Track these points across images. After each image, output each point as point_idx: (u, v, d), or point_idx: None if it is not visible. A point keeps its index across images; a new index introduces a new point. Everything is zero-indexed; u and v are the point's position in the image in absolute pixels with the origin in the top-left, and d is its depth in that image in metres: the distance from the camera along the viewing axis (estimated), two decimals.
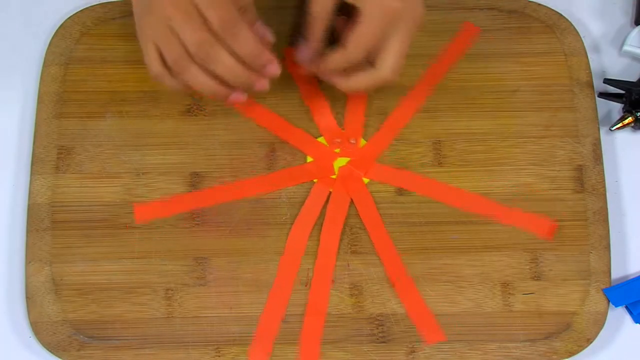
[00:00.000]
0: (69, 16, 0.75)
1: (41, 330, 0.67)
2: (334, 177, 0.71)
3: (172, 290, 0.68)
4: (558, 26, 0.75)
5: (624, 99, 0.72)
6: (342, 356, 0.67)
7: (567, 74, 0.74)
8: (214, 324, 0.68)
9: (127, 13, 0.74)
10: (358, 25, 0.64)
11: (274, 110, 0.72)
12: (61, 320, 0.68)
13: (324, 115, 0.73)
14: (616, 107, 0.75)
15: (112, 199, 0.70)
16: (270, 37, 0.66)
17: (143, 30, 0.64)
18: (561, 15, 0.75)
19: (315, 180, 0.71)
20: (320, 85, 0.72)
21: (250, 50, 0.63)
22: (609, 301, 0.68)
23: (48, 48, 0.74)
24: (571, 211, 0.70)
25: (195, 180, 0.71)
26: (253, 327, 0.68)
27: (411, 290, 0.68)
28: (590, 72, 0.74)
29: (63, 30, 0.74)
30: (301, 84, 0.73)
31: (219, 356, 0.67)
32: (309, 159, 0.72)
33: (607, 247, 0.70)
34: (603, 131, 0.73)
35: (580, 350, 0.68)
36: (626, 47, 0.75)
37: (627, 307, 0.70)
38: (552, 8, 0.76)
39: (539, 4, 0.76)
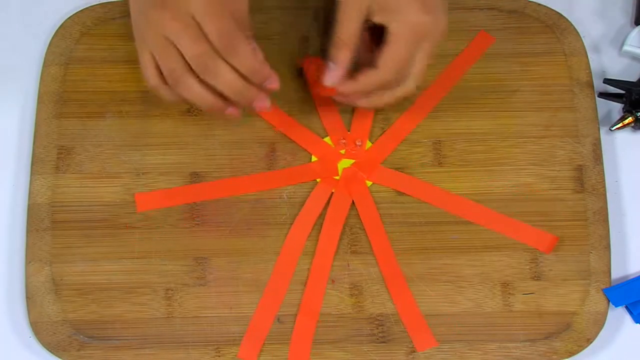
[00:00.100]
0: (69, 16, 0.75)
1: (41, 330, 0.67)
2: (337, 177, 0.71)
3: (172, 290, 0.68)
4: (558, 26, 0.75)
5: (624, 99, 0.72)
6: (342, 356, 0.67)
7: (567, 74, 0.74)
8: (214, 324, 0.68)
9: (127, 13, 0.74)
10: (389, 46, 0.64)
11: (281, 109, 0.72)
12: (61, 320, 0.68)
13: (332, 116, 0.72)
14: (616, 107, 0.75)
15: (112, 199, 0.70)
16: (260, 53, 0.65)
17: (141, 40, 0.64)
18: (561, 15, 0.75)
19: (318, 180, 0.71)
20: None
21: (251, 65, 0.63)
22: (609, 301, 0.68)
23: (48, 48, 0.74)
24: (571, 211, 0.70)
25: (195, 180, 0.71)
26: None
27: (405, 296, 0.68)
28: (590, 72, 0.74)
29: (63, 30, 0.74)
30: (312, 84, 0.73)
31: (219, 356, 0.67)
32: (314, 158, 0.72)
33: (607, 247, 0.70)
34: (603, 131, 0.73)
35: (580, 350, 0.68)
36: (626, 47, 0.75)
37: (627, 307, 0.70)
38: (552, 8, 0.76)
39: (539, 4, 0.76)
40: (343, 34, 0.65)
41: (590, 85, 0.74)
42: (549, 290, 0.69)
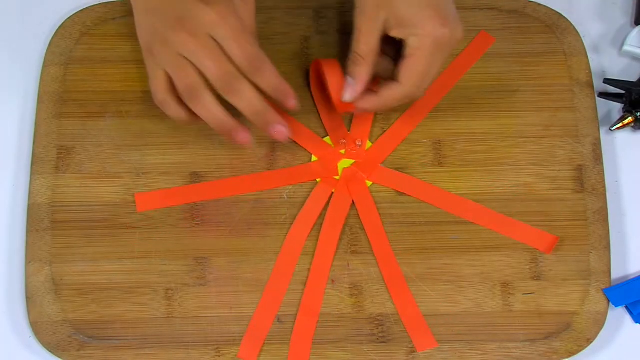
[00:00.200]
0: (69, 16, 0.75)
1: (41, 330, 0.67)
2: (337, 177, 0.71)
3: (172, 290, 0.68)
4: (558, 26, 0.75)
5: (624, 99, 0.72)
6: (342, 356, 0.67)
7: (567, 74, 0.74)
8: (214, 324, 0.68)
9: (127, 13, 0.74)
10: (410, 60, 0.64)
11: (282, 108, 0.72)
12: (61, 320, 0.68)
13: (332, 116, 0.72)
14: (616, 107, 0.75)
15: (112, 199, 0.70)
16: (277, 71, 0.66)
17: (153, 57, 0.64)
18: (561, 15, 0.75)
19: (318, 180, 0.71)
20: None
21: (274, 84, 0.64)
22: (609, 301, 0.68)
23: (48, 48, 0.74)
24: (571, 211, 0.70)
25: (195, 180, 0.71)
26: None
27: (405, 296, 0.68)
28: (590, 72, 0.74)
29: (63, 30, 0.74)
30: (312, 83, 0.73)
31: (219, 356, 0.67)
32: (314, 158, 0.72)
33: (607, 247, 0.70)
34: (603, 131, 0.73)
35: (580, 350, 0.68)
36: (626, 47, 0.75)
37: (627, 307, 0.70)
38: (552, 8, 0.76)
39: (539, 4, 0.76)
40: (361, 50, 0.65)
41: (590, 85, 0.74)
42: (549, 290, 0.69)
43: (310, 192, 0.71)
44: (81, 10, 0.75)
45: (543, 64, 0.74)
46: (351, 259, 0.69)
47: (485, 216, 0.70)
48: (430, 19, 0.63)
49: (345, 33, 0.74)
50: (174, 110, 0.65)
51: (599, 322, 0.68)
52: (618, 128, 0.72)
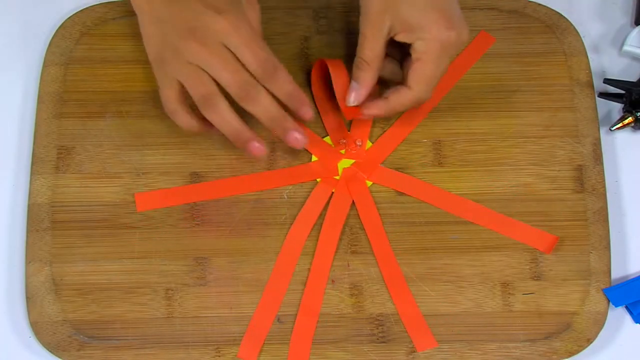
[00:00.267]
0: (69, 16, 0.75)
1: (41, 330, 0.67)
2: (337, 177, 0.71)
3: (172, 290, 0.68)
4: (558, 26, 0.75)
5: (624, 99, 0.72)
6: (342, 356, 0.67)
7: (567, 74, 0.74)
8: (214, 324, 0.68)
9: (127, 13, 0.74)
10: (419, 64, 0.64)
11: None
12: (61, 320, 0.68)
13: (332, 116, 0.72)
14: (616, 107, 0.75)
15: (112, 199, 0.70)
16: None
17: (164, 67, 0.64)
18: (561, 15, 0.75)
19: (318, 180, 0.71)
20: (330, 88, 0.72)
21: (289, 90, 0.64)
22: (609, 301, 0.68)
23: (48, 48, 0.74)
24: (571, 211, 0.70)
25: (195, 180, 0.71)
26: None
27: (405, 296, 0.68)
28: (590, 72, 0.74)
29: (63, 30, 0.74)
30: (314, 83, 0.73)
31: (219, 356, 0.67)
32: (314, 158, 0.72)
33: (607, 247, 0.70)
34: (603, 131, 0.73)
35: (580, 350, 0.68)
36: (626, 47, 0.75)
37: (627, 307, 0.70)
38: (552, 8, 0.76)
39: (539, 4, 0.76)
40: (366, 56, 0.65)
41: (590, 85, 0.74)
42: (549, 290, 0.69)
43: (310, 192, 0.71)
44: (81, 10, 0.75)
45: (543, 64, 0.74)
46: (351, 259, 0.69)
47: (485, 216, 0.70)
48: (435, 22, 0.63)
49: (345, 33, 0.74)
50: (185, 119, 0.65)
51: (599, 322, 0.68)
52: (618, 128, 0.72)
